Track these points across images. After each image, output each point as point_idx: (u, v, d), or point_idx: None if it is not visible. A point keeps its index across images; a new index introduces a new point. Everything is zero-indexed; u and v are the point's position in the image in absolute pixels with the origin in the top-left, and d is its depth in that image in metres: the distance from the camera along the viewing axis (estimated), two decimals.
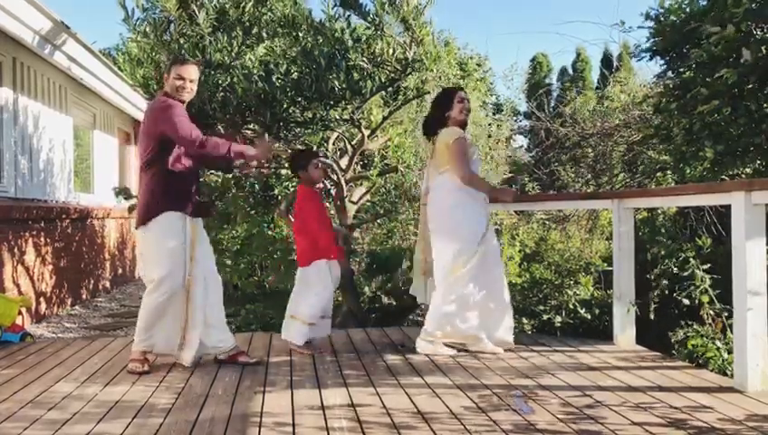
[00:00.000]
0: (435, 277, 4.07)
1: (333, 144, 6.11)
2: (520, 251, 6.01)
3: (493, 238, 4.12)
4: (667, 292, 4.21)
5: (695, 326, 3.98)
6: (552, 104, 13.36)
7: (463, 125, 4.14)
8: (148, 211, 3.63)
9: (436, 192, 4.08)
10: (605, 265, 5.61)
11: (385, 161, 6.51)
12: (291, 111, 5.05)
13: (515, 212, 7.70)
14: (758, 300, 3.09)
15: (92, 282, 8.11)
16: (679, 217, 5.90)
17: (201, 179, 5.46)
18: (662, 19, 4.48)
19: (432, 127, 4.18)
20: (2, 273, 5.67)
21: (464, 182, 3.96)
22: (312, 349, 4.09)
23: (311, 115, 5.23)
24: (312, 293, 4.08)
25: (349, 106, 5.14)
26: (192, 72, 3.68)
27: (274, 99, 4.77)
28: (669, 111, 4.66)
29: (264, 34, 5.01)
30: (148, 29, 4.83)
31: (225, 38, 4.77)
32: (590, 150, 7.71)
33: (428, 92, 5.18)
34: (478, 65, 12.30)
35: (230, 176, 6.25)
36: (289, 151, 5.62)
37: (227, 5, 4.85)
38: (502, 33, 34.49)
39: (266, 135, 4.82)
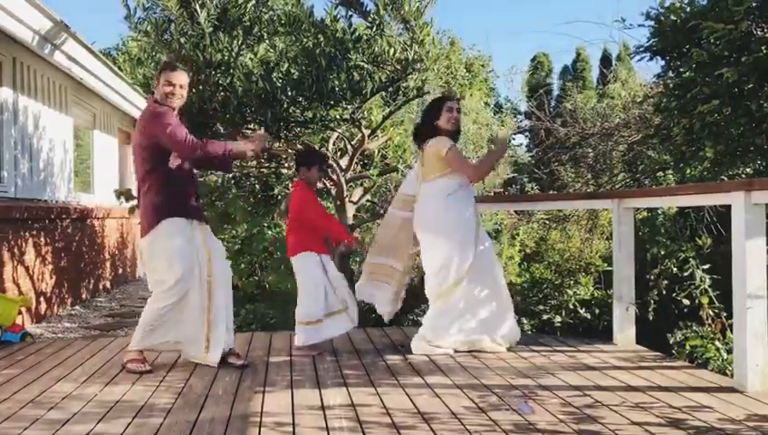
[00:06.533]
0: (427, 284, 4.06)
1: (333, 144, 6.10)
2: (520, 251, 6.01)
3: (486, 240, 4.10)
4: (666, 292, 4.21)
5: (694, 327, 3.98)
6: (553, 104, 13.36)
7: (453, 134, 4.08)
8: (156, 219, 3.60)
9: (424, 200, 4.06)
10: (605, 265, 5.61)
11: (385, 161, 6.51)
12: (291, 110, 5.05)
13: (515, 212, 7.70)
14: (758, 300, 3.09)
15: (92, 282, 8.10)
16: (679, 217, 5.90)
17: (201, 178, 5.44)
18: (662, 19, 4.47)
19: (421, 136, 4.15)
20: (2, 273, 5.67)
21: (474, 181, 4.11)
22: (315, 350, 4.01)
23: (311, 115, 5.23)
24: (302, 288, 4.04)
25: (349, 106, 5.14)
26: (182, 77, 3.65)
27: (275, 99, 4.77)
28: (669, 111, 4.65)
29: (265, 34, 5.01)
30: (149, 28, 4.83)
31: (226, 38, 4.77)
32: (590, 150, 7.70)
33: (429, 93, 5.18)
34: (482, 66, 12.30)
35: (230, 176, 6.25)
36: (290, 151, 5.62)
37: (229, 5, 4.85)
38: (501, 34, 34.53)
39: (262, 129, 4.81)
